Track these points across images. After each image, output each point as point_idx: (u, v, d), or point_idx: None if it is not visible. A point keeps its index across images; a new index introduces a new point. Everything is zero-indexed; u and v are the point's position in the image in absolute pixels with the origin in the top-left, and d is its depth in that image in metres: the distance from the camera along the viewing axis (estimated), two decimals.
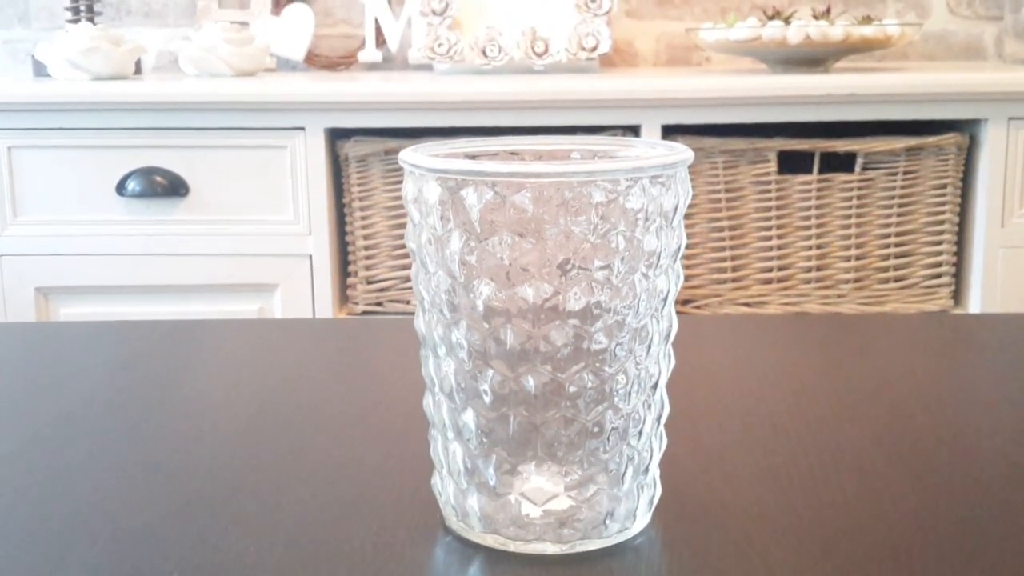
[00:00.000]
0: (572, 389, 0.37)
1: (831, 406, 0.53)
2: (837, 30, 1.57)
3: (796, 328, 0.70)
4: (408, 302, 1.59)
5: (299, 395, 0.56)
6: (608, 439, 0.38)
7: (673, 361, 0.41)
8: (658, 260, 0.38)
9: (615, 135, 1.51)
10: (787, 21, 1.61)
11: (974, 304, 1.55)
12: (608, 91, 1.51)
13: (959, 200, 1.57)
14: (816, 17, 1.68)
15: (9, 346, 0.66)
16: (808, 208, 1.55)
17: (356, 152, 1.56)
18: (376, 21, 1.90)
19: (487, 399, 0.38)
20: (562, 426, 0.38)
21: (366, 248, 1.59)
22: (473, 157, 0.41)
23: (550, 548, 0.39)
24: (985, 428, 0.51)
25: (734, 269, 1.58)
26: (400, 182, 1.43)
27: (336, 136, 1.57)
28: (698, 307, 1.58)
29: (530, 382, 0.37)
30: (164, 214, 1.55)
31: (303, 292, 1.56)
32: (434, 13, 1.75)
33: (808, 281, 1.57)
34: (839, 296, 1.57)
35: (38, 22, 2.01)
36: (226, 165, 1.54)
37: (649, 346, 0.38)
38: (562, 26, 1.76)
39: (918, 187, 1.55)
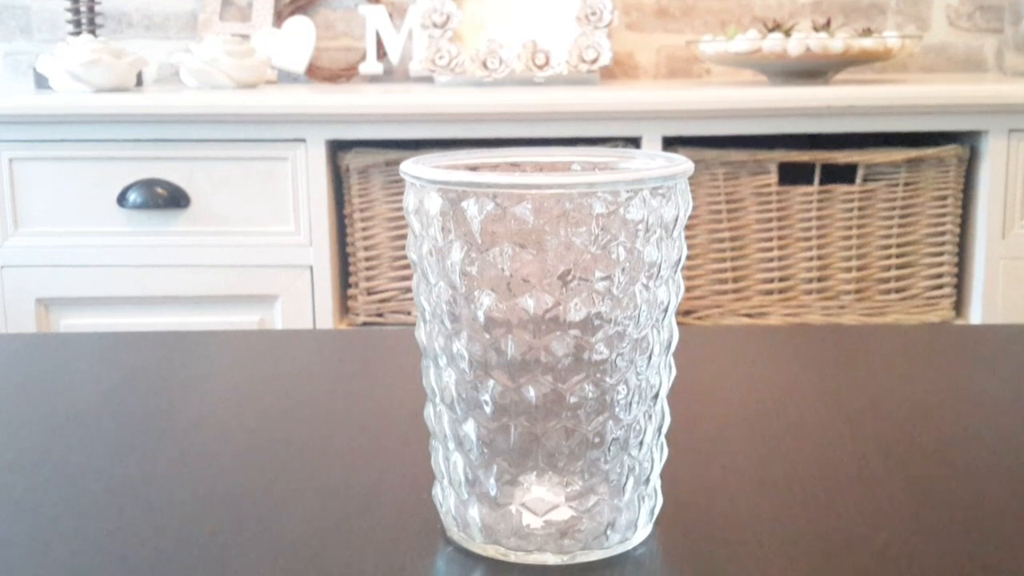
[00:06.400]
0: (573, 399, 0.37)
1: (832, 417, 0.53)
2: (837, 42, 1.57)
3: (797, 339, 0.70)
4: (409, 313, 1.59)
5: (300, 406, 0.56)
6: (609, 449, 0.38)
7: (674, 372, 0.41)
8: (659, 271, 0.38)
9: (616, 147, 1.51)
10: (787, 33, 1.61)
11: (975, 315, 1.55)
12: (609, 103, 1.51)
13: (960, 211, 1.57)
14: (816, 29, 1.68)
15: (10, 357, 0.66)
16: (809, 219, 1.55)
17: (357, 164, 1.56)
18: (377, 34, 1.90)
19: (488, 409, 0.38)
20: (563, 436, 0.38)
21: (367, 259, 1.59)
22: (474, 168, 0.41)
23: (551, 559, 0.39)
24: (987, 439, 0.51)
25: (735, 280, 1.58)
26: (401, 193, 1.43)
27: (337, 148, 1.58)
28: (699, 318, 1.58)
29: (531, 392, 0.37)
30: (165, 225, 1.55)
31: (304, 303, 1.56)
32: (435, 26, 1.76)
33: (809, 292, 1.57)
34: (840, 307, 1.57)
35: (40, 34, 2.01)
36: (227, 177, 1.54)
37: (650, 357, 0.38)
38: (563, 38, 1.77)
39: (919, 198, 1.56)
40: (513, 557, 0.39)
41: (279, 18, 1.96)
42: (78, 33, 1.81)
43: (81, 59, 1.60)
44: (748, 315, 1.58)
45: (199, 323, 1.55)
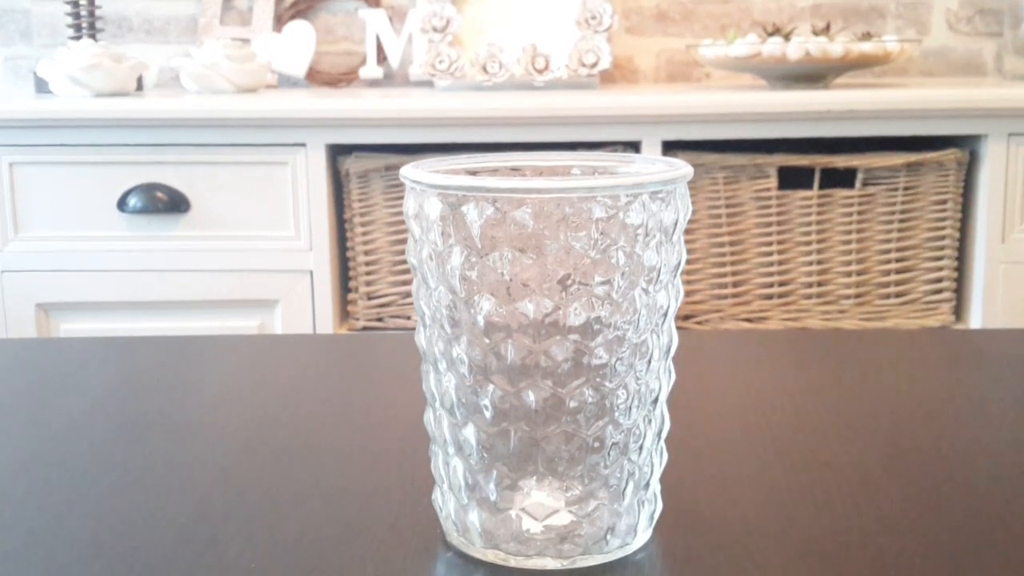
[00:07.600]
0: (573, 404, 0.37)
1: (832, 421, 0.53)
2: (837, 47, 1.57)
3: (797, 344, 0.70)
4: (409, 317, 1.59)
5: (299, 410, 0.56)
6: (609, 454, 0.38)
7: (674, 376, 0.41)
8: (658, 275, 0.38)
9: (615, 151, 1.51)
10: (787, 38, 1.61)
11: (975, 319, 1.55)
12: (608, 107, 1.51)
13: (959, 216, 1.57)
14: (816, 33, 1.69)
15: (10, 362, 0.66)
16: (809, 224, 1.56)
17: (357, 168, 1.56)
18: (377, 38, 1.90)
19: (488, 414, 0.38)
20: (563, 441, 0.38)
21: (367, 264, 1.59)
22: (474, 173, 0.41)
23: (551, 563, 0.39)
24: (987, 443, 0.51)
25: (735, 285, 1.58)
26: (401, 198, 1.43)
27: (337, 152, 1.58)
28: (699, 322, 1.58)
29: (531, 397, 0.37)
30: (165, 230, 1.55)
31: (304, 308, 1.56)
32: (435, 30, 1.76)
33: (809, 297, 1.57)
34: (840, 312, 1.57)
35: (40, 39, 2.01)
36: (227, 181, 1.54)
37: (649, 361, 0.38)
38: (563, 43, 1.77)
39: (919, 203, 1.56)
40: (513, 562, 0.39)
41: (279, 22, 1.96)
42: (78, 37, 1.81)
43: (81, 63, 1.60)
44: (748, 319, 1.58)
45: (199, 328, 1.55)
